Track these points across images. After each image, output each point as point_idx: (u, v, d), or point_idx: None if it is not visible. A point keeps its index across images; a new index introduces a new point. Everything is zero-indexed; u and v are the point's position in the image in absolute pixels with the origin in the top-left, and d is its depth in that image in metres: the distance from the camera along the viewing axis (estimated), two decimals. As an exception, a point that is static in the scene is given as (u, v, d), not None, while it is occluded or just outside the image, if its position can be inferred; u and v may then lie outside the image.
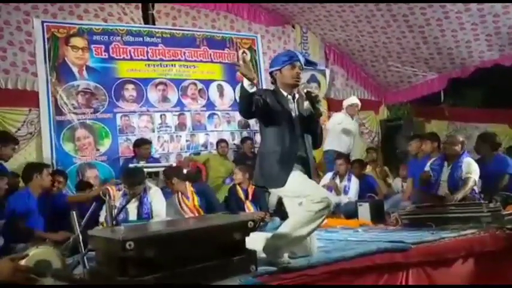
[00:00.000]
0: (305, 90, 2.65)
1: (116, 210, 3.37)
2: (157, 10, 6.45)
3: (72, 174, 5.48)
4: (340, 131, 5.90)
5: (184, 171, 5.03)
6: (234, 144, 6.65)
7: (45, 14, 5.68)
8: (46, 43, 5.59)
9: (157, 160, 5.70)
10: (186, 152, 6.37)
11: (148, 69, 6.25)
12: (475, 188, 4.07)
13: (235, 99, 6.77)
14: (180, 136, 6.38)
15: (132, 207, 3.94)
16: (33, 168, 3.93)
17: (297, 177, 2.52)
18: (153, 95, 6.24)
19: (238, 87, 6.81)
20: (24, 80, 5.46)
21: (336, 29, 7.13)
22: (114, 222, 2.95)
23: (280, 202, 2.71)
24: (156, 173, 5.09)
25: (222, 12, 6.93)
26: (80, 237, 2.33)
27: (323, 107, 2.71)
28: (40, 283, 1.86)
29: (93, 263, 2.24)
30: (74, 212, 2.40)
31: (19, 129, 5.30)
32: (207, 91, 6.63)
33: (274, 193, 2.88)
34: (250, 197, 4.76)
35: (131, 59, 6.14)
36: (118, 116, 5.98)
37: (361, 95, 7.73)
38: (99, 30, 5.98)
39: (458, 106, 8.89)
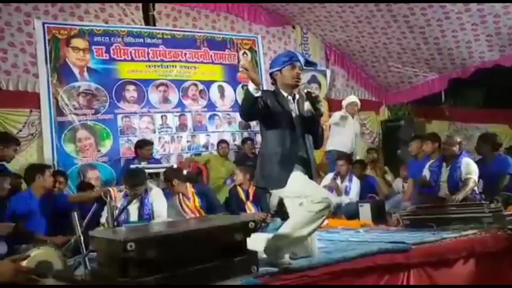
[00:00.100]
0: (305, 91, 2.65)
1: (117, 211, 3.38)
2: (158, 11, 6.46)
3: (73, 175, 5.49)
4: (342, 131, 5.91)
5: (185, 172, 5.03)
6: (235, 145, 6.66)
7: (46, 15, 5.69)
8: (47, 44, 5.60)
9: (158, 161, 5.71)
10: (186, 152, 6.37)
11: (149, 70, 6.25)
12: (475, 188, 4.07)
13: (236, 100, 6.78)
14: (181, 137, 6.38)
15: (133, 208, 3.95)
16: (35, 170, 3.95)
17: (297, 178, 2.52)
18: (154, 96, 6.25)
19: (238, 88, 6.83)
20: (25, 81, 5.47)
21: (336, 30, 7.13)
22: (115, 223, 2.95)
23: (281, 203, 2.72)
24: (157, 174, 5.10)
25: (222, 13, 6.94)
26: (81, 238, 2.33)
27: (324, 107, 2.71)
28: (41, 284, 1.86)
29: (94, 264, 2.24)
30: (75, 213, 2.40)
31: (20, 131, 5.31)
32: (208, 92, 6.64)
33: (275, 194, 2.89)
34: (251, 197, 4.76)
35: (132, 60, 6.15)
36: (119, 117, 5.99)
37: (361, 96, 7.73)
38: (100, 32, 5.99)
39: (458, 106, 8.88)
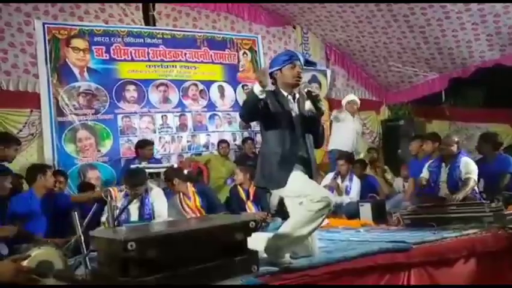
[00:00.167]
0: (306, 90, 2.64)
1: (117, 211, 3.38)
2: (158, 11, 6.46)
3: (73, 175, 5.50)
4: (343, 129, 5.91)
5: (185, 171, 5.03)
6: (235, 144, 6.66)
7: (46, 15, 5.69)
8: (47, 45, 5.60)
9: (158, 161, 5.71)
10: (187, 152, 6.37)
11: (149, 70, 6.26)
12: (475, 187, 4.07)
13: (236, 100, 6.79)
14: (181, 137, 6.38)
15: (134, 208, 3.95)
16: (37, 170, 3.98)
17: (297, 177, 2.52)
18: (154, 96, 6.25)
19: (239, 88, 6.84)
20: (25, 81, 5.48)
21: (336, 30, 7.13)
22: (115, 223, 2.95)
23: (281, 202, 2.72)
24: (158, 174, 5.10)
25: (222, 13, 6.94)
26: (82, 238, 2.33)
27: (324, 105, 2.70)
28: (42, 284, 1.86)
29: (94, 264, 2.24)
30: (76, 213, 2.40)
31: (21, 131, 5.31)
32: (208, 92, 6.64)
33: (276, 194, 2.89)
34: (251, 197, 4.76)
35: (132, 60, 6.15)
36: (119, 117, 5.99)
37: (362, 95, 7.74)
38: (100, 32, 5.99)
39: (459, 106, 8.88)
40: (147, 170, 4.65)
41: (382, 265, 2.48)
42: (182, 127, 6.40)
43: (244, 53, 7.00)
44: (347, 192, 5.23)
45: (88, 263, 2.25)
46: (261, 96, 2.44)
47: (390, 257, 2.56)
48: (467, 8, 5.68)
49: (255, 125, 6.60)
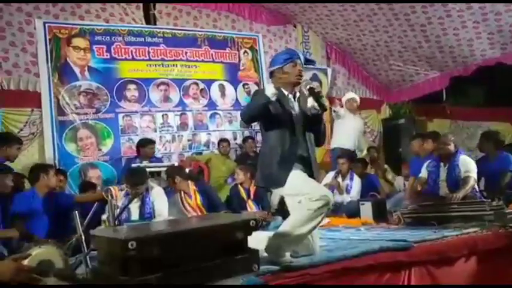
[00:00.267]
0: (308, 87, 2.62)
1: (118, 210, 3.38)
2: (158, 10, 6.46)
3: (74, 175, 5.51)
4: (345, 127, 5.92)
5: (187, 170, 5.04)
6: (236, 143, 6.66)
7: (46, 15, 5.70)
8: (48, 44, 5.61)
9: (159, 160, 5.71)
10: (188, 151, 6.38)
11: (150, 69, 6.25)
12: (476, 186, 4.07)
13: (236, 98, 6.79)
14: (182, 136, 6.39)
15: (135, 207, 3.96)
16: (39, 169, 4.00)
17: (296, 176, 2.52)
18: (154, 95, 6.25)
19: (239, 87, 6.83)
20: (26, 80, 5.48)
21: (337, 28, 7.12)
22: (116, 222, 2.96)
23: (282, 201, 2.71)
24: (159, 173, 5.11)
25: (223, 12, 6.94)
26: (83, 237, 2.33)
27: (327, 101, 2.69)
28: (43, 283, 1.86)
29: (95, 263, 2.24)
30: (76, 212, 2.41)
31: (21, 130, 5.32)
32: (209, 91, 6.63)
33: (276, 192, 2.89)
34: (252, 196, 4.77)
35: (133, 59, 6.15)
36: (120, 116, 5.99)
37: (362, 94, 7.73)
38: (101, 31, 5.99)
39: (460, 105, 8.87)
40: (147, 169, 4.66)
41: (382, 264, 2.48)
42: (183, 126, 6.40)
43: (245, 51, 6.99)
44: (348, 191, 5.23)
45: (89, 262, 2.25)
46: (272, 99, 2.45)
47: (391, 255, 2.56)
48: (469, 6, 5.67)
49: (256, 124, 6.59)
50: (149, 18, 6.41)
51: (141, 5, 6.37)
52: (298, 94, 2.72)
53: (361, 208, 4.43)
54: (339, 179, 5.31)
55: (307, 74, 6.96)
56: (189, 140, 6.43)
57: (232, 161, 6.17)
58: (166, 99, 6.34)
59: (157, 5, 6.44)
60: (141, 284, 1.82)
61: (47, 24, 5.63)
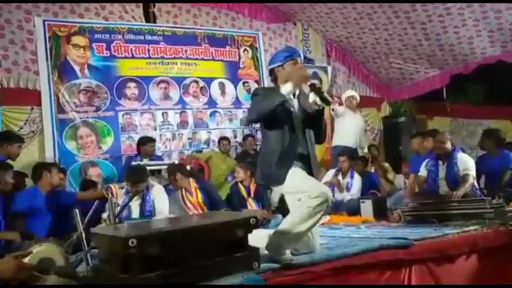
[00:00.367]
0: (308, 83, 2.62)
1: (118, 208, 3.38)
2: (158, 8, 6.45)
3: (75, 173, 5.51)
4: (345, 125, 5.92)
5: (188, 167, 5.04)
6: (236, 141, 6.65)
7: (46, 12, 5.69)
8: (47, 42, 5.60)
9: (159, 158, 5.71)
10: (188, 149, 6.37)
11: (150, 67, 6.25)
12: (475, 184, 4.07)
13: (236, 97, 6.78)
14: (182, 134, 6.38)
15: (135, 205, 3.96)
16: (42, 167, 4.03)
17: (295, 174, 2.52)
18: (154, 93, 6.24)
19: (239, 85, 6.82)
20: (26, 78, 5.47)
21: (337, 26, 7.11)
22: (116, 220, 2.96)
23: (282, 199, 2.71)
24: (159, 171, 5.11)
25: (223, 10, 6.93)
26: (83, 234, 2.33)
27: (329, 98, 2.68)
28: (43, 281, 1.86)
29: (96, 261, 2.24)
30: (77, 210, 2.41)
31: (21, 128, 5.32)
32: (209, 89, 6.63)
33: (276, 191, 2.89)
34: (252, 194, 4.77)
35: (133, 57, 6.15)
36: (120, 114, 5.99)
37: (363, 92, 7.73)
38: (101, 29, 5.98)
39: (460, 103, 8.87)
40: (148, 167, 4.66)
41: (383, 262, 2.48)
42: (183, 124, 6.40)
43: (245, 49, 6.99)
44: (348, 189, 5.23)
45: (89, 260, 2.25)
46: (286, 98, 2.47)
47: (391, 253, 2.56)
48: (469, 4, 5.66)
49: (256, 122, 6.60)
50: (149, 16, 6.40)
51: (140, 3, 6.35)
52: (297, 92, 2.72)
53: (361, 206, 4.43)
54: (340, 177, 5.31)
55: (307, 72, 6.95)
56: (189, 138, 6.43)
57: (233, 159, 6.17)
58: (166, 97, 6.33)
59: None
60: (142, 281, 1.82)
61: (46, 22, 5.62)
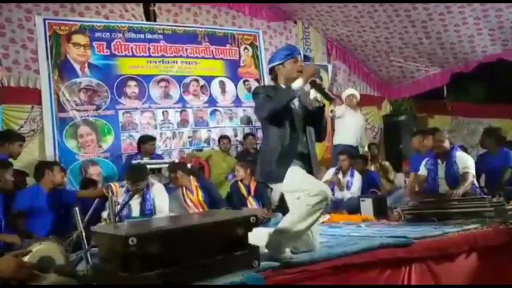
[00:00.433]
0: (309, 80, 2.61)
1: (118, 207, 3.38)
2: (158, 7, 6.44)
3: (75, 171, 5.51)
4: (346, 124, 5.92)
5: (189, 165, 5.05)
6: (237, 140, 6.65)
7: (46, 11, 5.68)
8: (48, 40, 5.59)
9: (160, 156, 5.71)
10: (188, 148, 6.37)
11: (150, 65, 6.24)
12: (475, 182, 4.07)
13: (237, 95, 6.78)
14: (182, 132, 6.38)
15: (135, 204, 3.96)
16: (45, 166, 4.05)
17: (295, 173, 2.52)
18: (155, 91, 6.24)
19: (240, 84, 6.82)
20: (26, 77, 5.47)
21: (337, 24, 7.10)
22: (117, 219, 2.96)
23: (282, 198, 2.72)
24: (159, 170, 5.11)
25: (223, 9, 6.92)
26: (83, 233, 2.34)
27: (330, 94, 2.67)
28: (43, 279, 1.87)
29: (96, 259, 2.25)
30: (77, 208, 2.41)
31: (22, 127, 5.32)
32: (209, 87, 6.62)
33: (276, 189, 2.89)
34: (252, 192, 4.78)
35: (133, 55, 6.14)
36: (120, 112, 5.99)
37: (363, 91, 7.72)
38: (101, 27, 5.97)
39: (461, 101, 8.86)
40: (148, 166, 4.66)
41: (383, 260, 2.48)
42: (183, 123, 6.40)
43: (246, 48, 6.98)
44: (348, 188, 5.23)
45: (89, 259, 2.26)
46: (296, 94, 2.48)
47: (391, 252, 2.56)
48: (469, 2, 5.64)
49: (256, 120, 6.61)
50: (149, 15, 6.39)
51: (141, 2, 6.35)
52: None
53: (361, 204, 4.43)
54: (340, 176, 5.31)
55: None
56: (189, 137, 6.42)
57: (233, 157, 6.17)
58: (167, 95, 6.33)
59: (157, 1, 6.43)
60: (142, 280, 1.82)
61: (46, 21, 5.62)
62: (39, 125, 5.46)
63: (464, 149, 5.24)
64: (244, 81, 6.89)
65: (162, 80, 6.30)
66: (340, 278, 2.29)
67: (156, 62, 6.28)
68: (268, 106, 2.52)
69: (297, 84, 2.48)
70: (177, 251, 1.95)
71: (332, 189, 4.95)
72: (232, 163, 5.84)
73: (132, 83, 6.10)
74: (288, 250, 2.44)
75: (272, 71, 2.75)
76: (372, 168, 6.20)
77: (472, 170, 3.99)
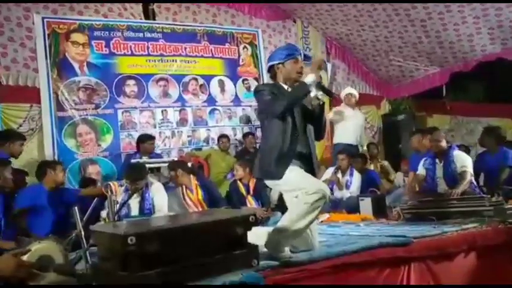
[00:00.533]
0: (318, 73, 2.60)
1: (117, 206, 3.38)
2: (157, 5, 6.43)
3: (74, 170, 5.51)
4: (346, 123, 5.92)
5: (189, 164, 5.05)
6: (236, 139, 6.65)
7: (45, 9, 5.67)
8: (47, 39, 5.58)
9: (159, 156, 5.71)
10: (187, 147, 6.37)
11: (149, 64, 6.24)
12: (474, 181, 4.07)
13: (236, 94, 6.78)
14: (182, 132, 6.38)
15: (134, 203, 3.97)
16: (47, 165, 4.07)
17: (294, 172, 2.52)
18: (154, 90, 6.23)
19: (239, 83, 6.81)
20: (25, 76, 5.46)
21: (337, 23, 7.10)
22: (116, 218, 2.96)
23: (281, 197, 2.71)
24: (158, 169, 5.11)
25: (222, 7, 6.90)
26: (82, 232, 2.33)
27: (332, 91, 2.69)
28: (42, 278, 1.86)
29: (95, 258, 2.24)
30: (76, 208, 2.41)
31: (21, 126, 5.31)
32: (208, 86, 6.62)
33: (275, 189, 2.89)
34: (251, 191, 4.78)
35: (132, 54, 6.13)
36: (119, 111, 5.98)
37: (362, 90, 7.72)
38: (100, 26, 5.96)
39: (460, 100, 8.86)
40: (147, 165, 4.66)
41: (382, 259, 2.48)
42: (182, 122, 6.39)
43: (245, 47, 6.97)
44: (347, 187, 5.23)
45: (88, 258, 2.25)
46: (310, 89, 2.50)
47: (390, 251, 2.56)
48: (469, 2, 5.65)
49: (255, 119, 6.61)
50: (148, 13, 6.38)
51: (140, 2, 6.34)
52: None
53: (360, 204, 4.44)
54: (339, 175, 5.32)
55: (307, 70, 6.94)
56: (188, 136, 6.42)
57: (232, 157, 6.17)
58: (166, 94, 6.32)
59: (156, 0, 6.42)
60: (141, 279, 1.82)
61: (45, 20, 5.61)
62: (38, 123, 5.45)
63: (466, 148, 5.25)
64: (243, 80, 6.89)
65: (161, 79, 6.30)
66: (339, 277, 2.29)
67: (155, 60, 6.27)
68: (281, 102, 2.50)
69: (310, 78, 2.47)
70: (176, 250, 1.95)
71: (331, 189, 4.95)
72: (232, 162, 5.84)
73: (131, 82, 6.09)
74: (287, 249, 2.44)
75: (271, 69, 2.74)
76: (372, 167, 6.20)
77: (470, 169, 4.00)
